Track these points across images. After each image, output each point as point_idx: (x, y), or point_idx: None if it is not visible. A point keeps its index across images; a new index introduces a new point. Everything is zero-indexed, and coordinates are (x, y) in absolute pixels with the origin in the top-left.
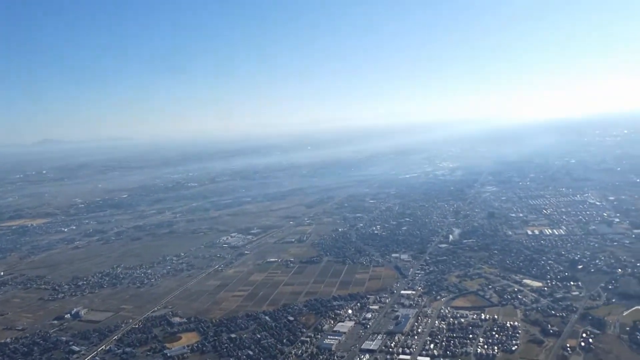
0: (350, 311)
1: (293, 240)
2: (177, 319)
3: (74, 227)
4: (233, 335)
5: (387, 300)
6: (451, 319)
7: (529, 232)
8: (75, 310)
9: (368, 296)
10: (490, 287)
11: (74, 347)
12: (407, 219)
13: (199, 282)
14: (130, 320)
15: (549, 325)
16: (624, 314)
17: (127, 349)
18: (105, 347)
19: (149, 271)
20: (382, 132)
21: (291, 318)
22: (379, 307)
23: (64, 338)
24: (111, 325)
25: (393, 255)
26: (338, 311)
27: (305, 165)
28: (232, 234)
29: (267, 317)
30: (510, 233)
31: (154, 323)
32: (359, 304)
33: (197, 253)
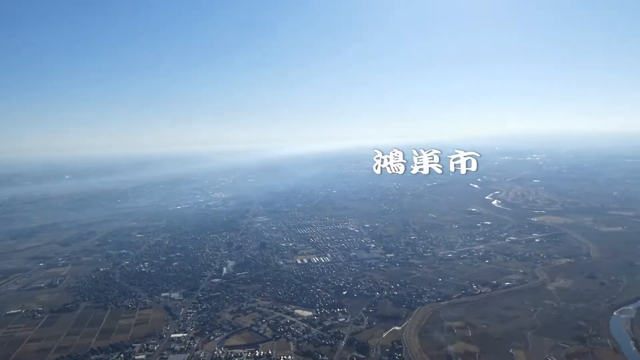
0: None
1: (43, 285)
2: None
3: None
4: None
5: (155, 347)
6: None
7: (299, 261)
8: None
9: (133, 345)
10: (264, 321)
11: None
12: (179, 254)
13: None
14: None
15: (320, 355)
16: (384, 336)
17: None
18: None
19: None
20: (148, 162)
21: None
22: (146, 356)
23: None
24: None
25: (163, 294)
26: None
27: (61, 196)
28: None
29: None
30: (281, 263)
31: None
32: (122, 356)
33: None
